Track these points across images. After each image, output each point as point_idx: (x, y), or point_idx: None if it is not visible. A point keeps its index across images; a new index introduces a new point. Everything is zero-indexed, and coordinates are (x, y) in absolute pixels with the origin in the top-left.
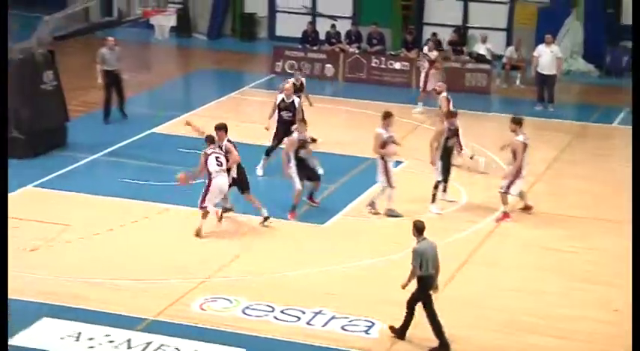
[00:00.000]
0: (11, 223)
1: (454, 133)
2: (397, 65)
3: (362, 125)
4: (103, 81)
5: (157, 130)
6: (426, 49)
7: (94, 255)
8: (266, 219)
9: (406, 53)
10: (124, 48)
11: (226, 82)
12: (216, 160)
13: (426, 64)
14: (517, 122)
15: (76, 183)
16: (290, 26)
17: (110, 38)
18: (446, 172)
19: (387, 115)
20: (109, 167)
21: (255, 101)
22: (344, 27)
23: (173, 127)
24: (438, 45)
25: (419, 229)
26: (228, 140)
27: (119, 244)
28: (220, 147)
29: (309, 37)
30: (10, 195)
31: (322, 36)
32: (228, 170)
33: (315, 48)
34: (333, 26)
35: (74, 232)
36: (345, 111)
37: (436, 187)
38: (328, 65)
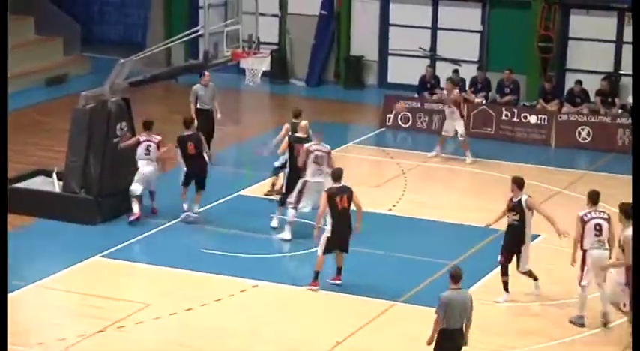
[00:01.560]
0: (75, 299)
1: (513, 207)
2: (532, 119)
3: (488, 190)
4: (198, 121)
5: (245, 192)
6: (444, 92)
7: (170, 338)
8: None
9: (544, 105)
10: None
11: (328, 137)
12: (146, 150)
13: (454, 108)
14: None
15: (150, 253)
16: (404, 71)
17: (206, 73)
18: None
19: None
20: (189, 235)
21: (361, 160)
22: (469, 73)
23: (265, 188)
24: (457, 83)
25: (453, 277)
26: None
27: (199, 327)
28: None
29: (428, 84)
30: (74, 267)
31: (443, 83)
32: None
33: (434, 97)
34: (456, 72)
35: (148, 312)
36: (469, 172)
37: (502, 272)
38: None
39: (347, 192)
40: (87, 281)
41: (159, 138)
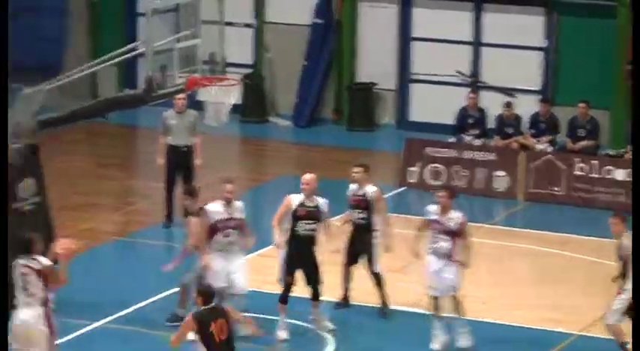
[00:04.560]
0: None
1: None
2: (619, 174)
3: (553, 277)
4: (166, 161)
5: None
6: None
7: None
8: None
9: None
10: (152, 141)
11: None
12: (23, 282)
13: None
14: None
15: None
16: (433, 105)
17: (180, 95)
18: None
19: None
20: (116, 342)
21: None
22: (527, 107)
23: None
24: None
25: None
26: None
27: None
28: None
29: (470, 120)
30: None
31: (491, 122)
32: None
33: (478, 142)
34: (509, 106)
35: None
36: (530, 251)
37: None
38: (500, 172)
39: None
40: None
41: (43, 262)
